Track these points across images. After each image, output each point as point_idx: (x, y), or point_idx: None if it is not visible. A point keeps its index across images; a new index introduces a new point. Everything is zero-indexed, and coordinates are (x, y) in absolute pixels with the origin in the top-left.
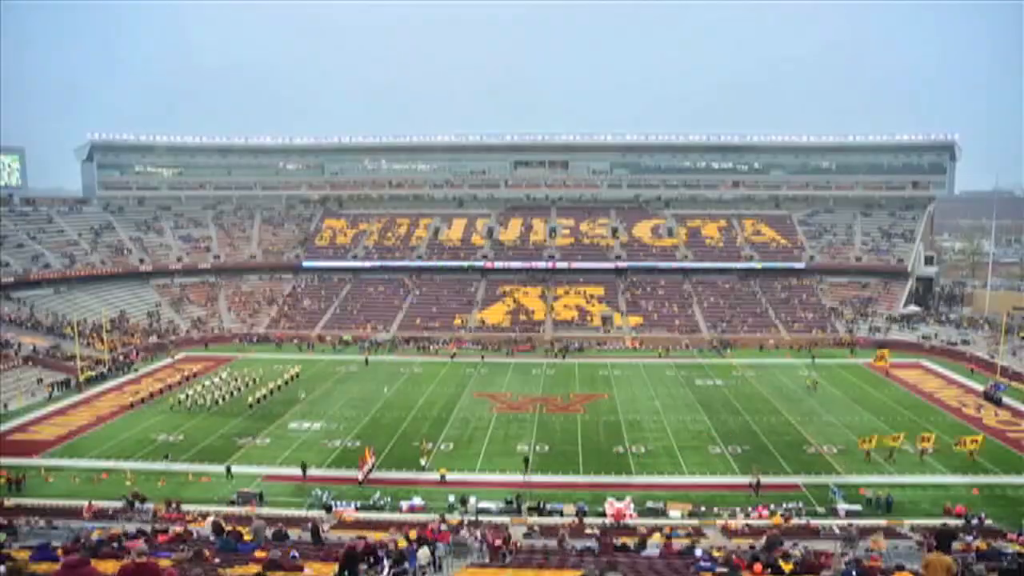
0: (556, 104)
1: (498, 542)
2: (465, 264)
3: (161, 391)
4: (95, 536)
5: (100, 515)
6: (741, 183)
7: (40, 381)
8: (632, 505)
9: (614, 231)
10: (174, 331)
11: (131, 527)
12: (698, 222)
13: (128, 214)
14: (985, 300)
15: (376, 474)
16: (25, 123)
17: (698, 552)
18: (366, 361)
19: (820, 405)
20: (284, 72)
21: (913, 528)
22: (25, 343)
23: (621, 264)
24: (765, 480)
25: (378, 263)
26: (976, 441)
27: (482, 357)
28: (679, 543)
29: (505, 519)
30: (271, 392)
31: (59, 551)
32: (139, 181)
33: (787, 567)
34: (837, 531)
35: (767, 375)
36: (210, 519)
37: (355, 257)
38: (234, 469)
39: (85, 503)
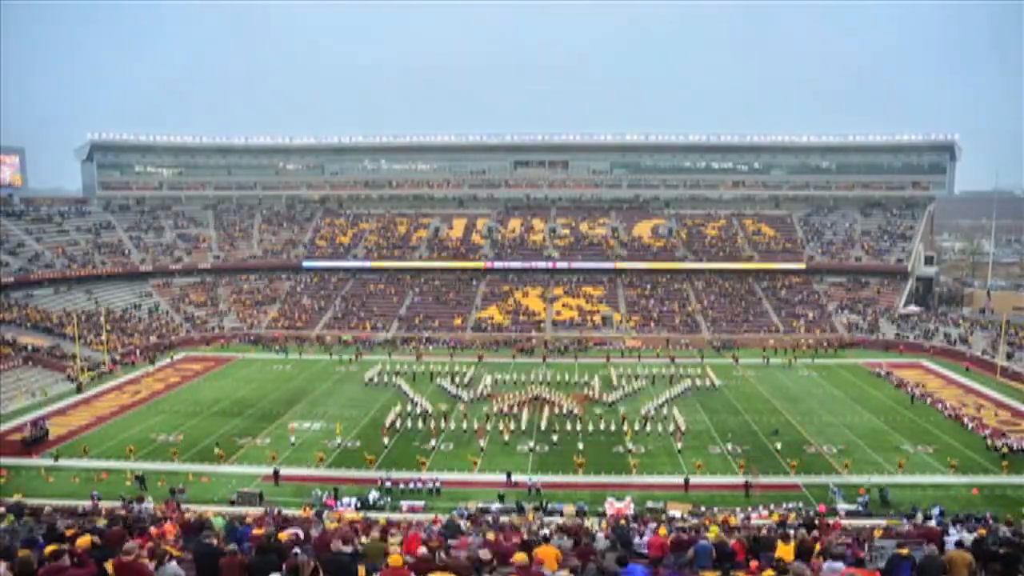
0: (558, 104)
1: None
2: (465, 264)
3: (161, 391)
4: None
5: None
6: (741, 183)
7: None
8: (632, 505)
9: (614, 231)
10: (174, 331)
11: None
12: (698, 222)
13: (128, 214)
14: (985, 300)
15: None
16: (25, 123)
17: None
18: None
19: (820, 405)
20: (284, 72)
21: (915, 526)
22: (25, 343)
23: (621, 264)
24: (765, 480)
25: (378, 263)
26: None
27: (481, 357)
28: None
29: (505, 519)
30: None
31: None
32: (139, 181)
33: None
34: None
35: (767, 375)
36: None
37: (355, 257)
38: (234, 469)
39: (87, 502)
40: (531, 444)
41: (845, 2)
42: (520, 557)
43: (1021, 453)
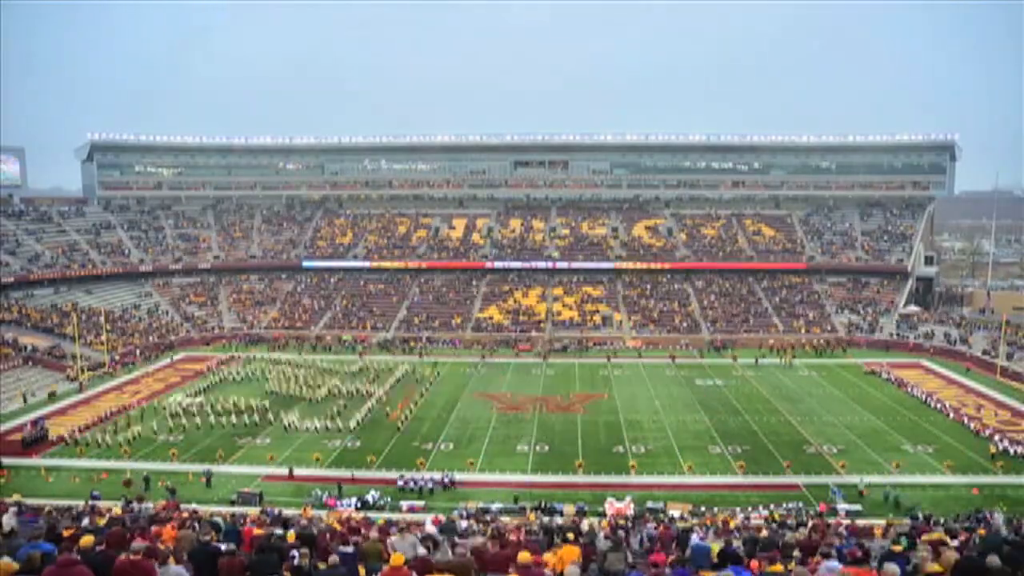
0: (556, 104)
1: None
2: (465, 264)
3: (161, 391)
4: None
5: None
6: (741, 183)
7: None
8: (632, 505)
9: (614, 231)
10: (174, 331)
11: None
12: (698, 222)
13: (128, 214)
14: (985, 300)
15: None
16: (25, 123)
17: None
18: (359, 357)
19: (820, 405)
20: (284, 72)
21: (914, 527)
22: (25, 343)
23: (621, 264)
24: (765, 480)
25: (378, 263)
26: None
27: (483, 357)
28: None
29: (506, 519)
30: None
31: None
32: (139, 181)
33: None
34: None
35: (767, 375)
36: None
37: (355, 257)
38: (234, 469)
39: (85, 502)
40: (531, 444)
41: (846, 2)
42: (524, 557)
43: (1018, 457)
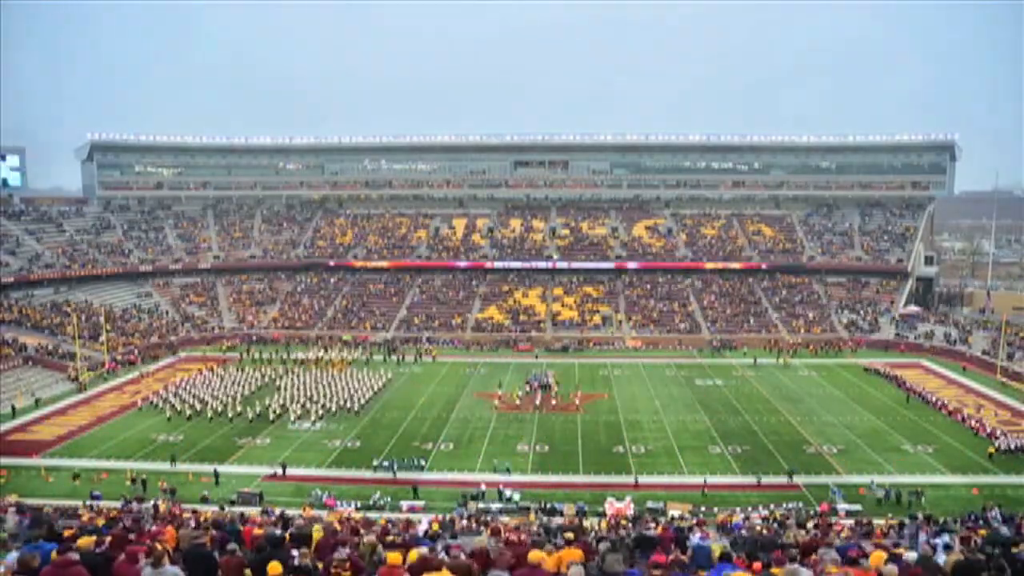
0: (556, 104)
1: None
2: (465, 264)
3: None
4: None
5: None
6: (741, 183)
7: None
8: (632, 505)
9: (614, 231)
10: (174, 331)
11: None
12: (698, 222)
13: (128, 214)
14: (985, 300)
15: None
16: (25, 123)
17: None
18: (369, 358)
19: (820, 405)
20: (284, 72)
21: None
22: (25, 343)
23: (621, 264)
24: (765, 480)
25: (378, 263)
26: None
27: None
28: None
29: (506, 519)
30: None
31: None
32: (139, 181)
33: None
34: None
35: (767, 375)
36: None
37: (355, 257)
38: (234, 469)
39: (85, 502)
40: (531, 444)
41: (846, 1)
42: (535, 556)
43: (1019, 453)
